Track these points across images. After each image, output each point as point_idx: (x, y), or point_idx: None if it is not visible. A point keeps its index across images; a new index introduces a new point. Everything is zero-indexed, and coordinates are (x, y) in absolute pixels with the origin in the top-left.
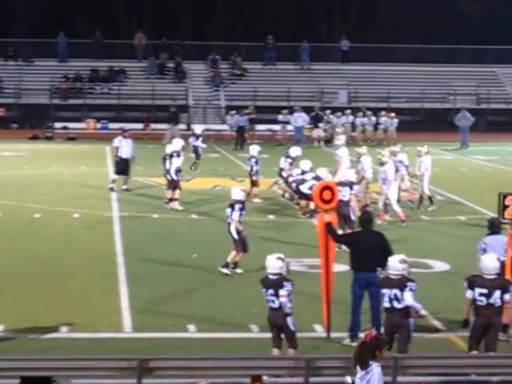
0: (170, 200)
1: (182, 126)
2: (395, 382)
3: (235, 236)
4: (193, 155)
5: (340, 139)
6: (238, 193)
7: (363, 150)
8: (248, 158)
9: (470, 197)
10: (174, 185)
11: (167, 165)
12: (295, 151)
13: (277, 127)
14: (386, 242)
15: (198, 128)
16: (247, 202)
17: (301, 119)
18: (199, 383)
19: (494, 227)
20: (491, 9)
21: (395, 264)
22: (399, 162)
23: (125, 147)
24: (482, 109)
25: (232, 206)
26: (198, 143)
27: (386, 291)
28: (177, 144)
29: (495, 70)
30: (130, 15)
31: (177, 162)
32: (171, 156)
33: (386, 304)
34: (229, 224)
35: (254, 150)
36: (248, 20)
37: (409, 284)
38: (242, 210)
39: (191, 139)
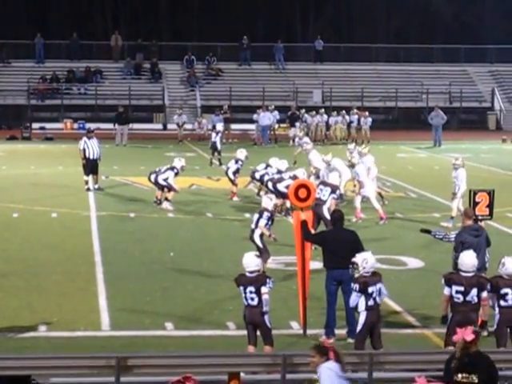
0: (160, 200)
1: (159, 126)
2: (371, 377)
3: (259, 244)
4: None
5: (307, 143)
6: (267, 202)
7: (329, 157)
8: (235, 160)
9: (443, 194)
10: (162, 187)
11: (159, 171)
12: (277, 162)
13: (251, 126)
14: (358, 240)
15: (219, 125)
16: (229, 200)
17: (266, 118)
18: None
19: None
20: (463, 8)
21: (372, 259)
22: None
23: (91, 148)
24: (455, 107)
25: (260, 214)
26: (217, 139)
27: (373, 289)
28: (178, 163)
29: (467, 69)
30: (106, 16)
31: (170, 176)
32: (171, 168)
33: (371, 302)
34: (252, 231)
35: (242, 154)
36: (223, 21)
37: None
38: (269, 219)
39: (212, 135)
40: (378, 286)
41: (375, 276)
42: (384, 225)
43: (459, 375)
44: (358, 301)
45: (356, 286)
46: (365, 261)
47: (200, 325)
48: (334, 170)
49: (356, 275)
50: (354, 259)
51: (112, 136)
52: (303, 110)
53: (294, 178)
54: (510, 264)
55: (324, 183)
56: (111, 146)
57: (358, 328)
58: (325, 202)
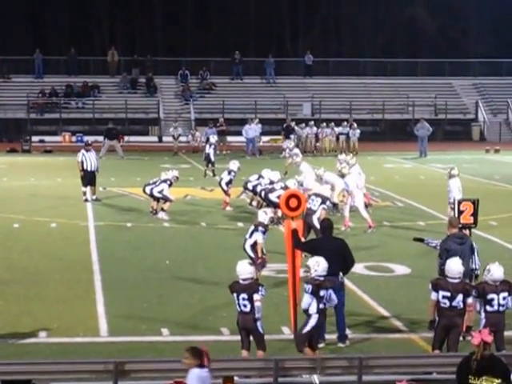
0: (156, 210)
1: (154, 139)
2: (360, 381)
3: (251, 254)
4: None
5: (297, 155)
6: (262, 215)
7: (321, 171)
8: (227, 171)
9: (428, 203)
10: (158, 199)
11: (153, 183)
12: (269, 173)
13: (242, 138)
14: (346, 248)
15: (212, 138)
16: (222, 210)
17: (252, 131)
18: None
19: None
20: (447, 24)
21: (324, 263)
22: None
23: (89, 160)
24: (440, 119)
25: (256, 227)
26: (211, 151)
27: (324, 293)
28: (172, 173)
29: (452, 82)
30: (102, 33)
31: (165, 188)
32: (164, 181)
33: (322, 305)
34: (245, 241)
35: (235, 165)
36: (216, 37)
37: None
38: (264, 233)
39: (206, 147)
40: (329, 291)
41: (328, 282)
42: (372, 233)
43: (474, 377)
44: (311, 303)
45: (309, 287)
46: (317, 264)
47: (195, 330)
48: (326, 183)
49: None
50: (307, 262)
51: (110, 149)
52: (293, 123)
53: (286, 188)
54: (495, 270)
55: (315, 194)
56: (108, 159)
57: (306, 329)
58: (315, 211)
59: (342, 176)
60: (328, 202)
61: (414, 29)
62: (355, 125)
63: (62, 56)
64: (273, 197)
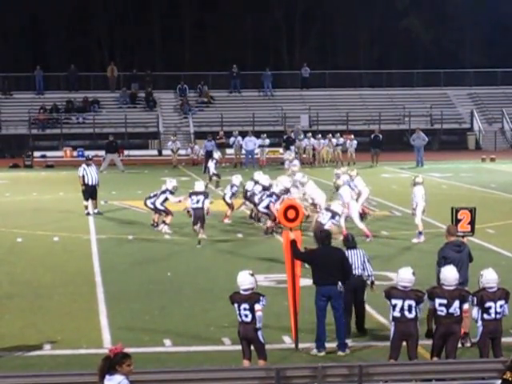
0: (157, 223)
1: (154, 152)
2: None
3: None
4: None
5: (295, 165)
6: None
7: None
8: (230, 185)
9: (426, 212)
10: (160, 212)
11: (155, 195)
12: (260, 177)
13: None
14: (345, 257)
15: (215, 153)
16: (221, 222)
17: (251, 143)
18: None
19: (349, 243)
20: (441, 35)
21: (410, 276)
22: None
23: (90, 174)
24: (436, 129)
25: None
26: (212, 165)
27: (397, 301)
28: (169, 183)
29: (447, 92)
30: (102, 49)
31: (169, 198)
32: (164, 192)
33: (397, 314)
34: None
35: (237, 179)
36: (213, 51)
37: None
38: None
39: (208, 161)
40: (408, 302)
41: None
42: (370, 242)
43: (507, 373)
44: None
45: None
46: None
47: (197, 341)
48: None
49: None
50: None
51: (110, 163)
52: (292, 134)
53: (271, 195)
54: (488, 273)
55: (327, 209)
56: (109, 172)
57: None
58: (324, 225)
59: (337, 189)
60: (337, 217)
61: (409, 40)
62: (352, 136)
63: (62, 72)
64: (261, 208)
